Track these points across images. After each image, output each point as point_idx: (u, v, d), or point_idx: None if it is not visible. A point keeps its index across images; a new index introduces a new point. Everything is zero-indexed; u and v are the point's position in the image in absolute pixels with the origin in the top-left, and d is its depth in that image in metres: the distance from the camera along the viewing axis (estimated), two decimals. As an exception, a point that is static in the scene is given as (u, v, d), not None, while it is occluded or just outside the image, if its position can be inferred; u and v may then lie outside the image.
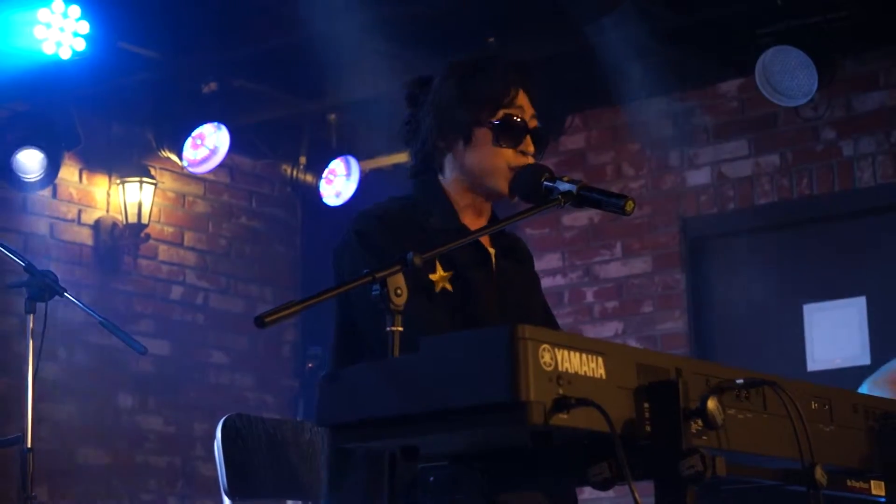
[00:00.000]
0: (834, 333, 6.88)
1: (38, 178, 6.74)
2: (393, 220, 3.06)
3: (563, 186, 2.90)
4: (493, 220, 3.19)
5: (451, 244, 2.79)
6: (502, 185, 3.07)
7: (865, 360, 6.59)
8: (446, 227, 3.04)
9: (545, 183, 2.94)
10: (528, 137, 3.11)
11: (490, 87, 3.10)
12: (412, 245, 2.58)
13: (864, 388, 4.38)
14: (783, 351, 6.95)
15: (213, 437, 3.40)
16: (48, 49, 6.02)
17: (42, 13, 5.99)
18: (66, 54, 6.07)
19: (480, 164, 3.09)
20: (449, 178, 3.14)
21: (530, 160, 3.09)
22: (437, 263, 2.98)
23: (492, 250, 3.12)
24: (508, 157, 3.07)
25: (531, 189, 2.97)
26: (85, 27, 6.06)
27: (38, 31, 5.99)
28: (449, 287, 2.99)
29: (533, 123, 3.13)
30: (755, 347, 6.99)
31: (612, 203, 2.85)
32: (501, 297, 3.08)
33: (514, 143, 3.08)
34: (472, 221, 3.13)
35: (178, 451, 7.48)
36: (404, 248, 2.53)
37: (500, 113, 3.09)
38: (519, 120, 3.09)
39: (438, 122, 3.11)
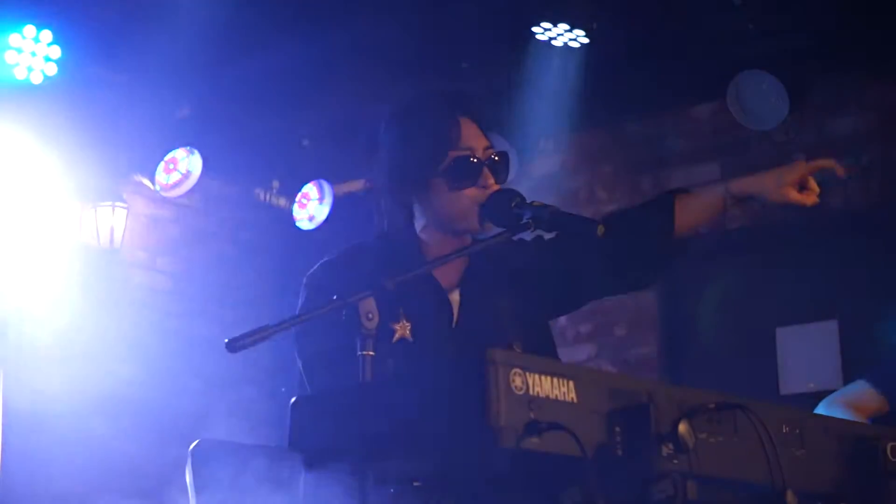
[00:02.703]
0: (806, 357, 6.90)
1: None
2: (346, 259, 3.06)
3: (534, 211, 2.88)
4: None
5: (419, 270, 2.77)
6: (472, 224, 3.01)
7: (838, 384, 6.58)
8: (411, 268, 2.98)
9: (515, 209, 2.91)
10: (486, 170, 3.02)
11: (433, 134, 3.00)
12: (359, 281, 2.56)
13: (821, 409, 4.40)
14: (756, 374, 6.96)
15: (185, 462, 3.38)
16: (20, 74, 6.01)
17: (13, 38, 5.97)
18: (37, 79, 6.05)
19: (445, 210, 3.03)
20: (420, 223, 3.09)
21: (495, 188, 3.02)
22: (402, 313, 2.93)
23: (456, 294, 3.06)
24: (471, 195, 3.00)
25: (501, 215, 2.95)
26: (56, 52, 6.05)
27: (10, 57, 5.97)
28: (409, 336, 2.94)
29: (487, 154, 3.04)
30: (728, 371, 7.00)
31: (582, 228, 2.84)
32: (462, 342, 2.99)
33: (472, 181, 3.00)
34: (446, 267, 3.03)
35: (151, 476, 7.43)
36: (351, 285, 2.52)
37: (450, 157, 3.00)
38: (472, 159, 3.01)
39: (392, 181, 3.05)
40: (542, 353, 2.77)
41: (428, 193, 3.03)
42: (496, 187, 3.02)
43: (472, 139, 3.04)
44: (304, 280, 3.08)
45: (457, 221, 3.03)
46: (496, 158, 3.05)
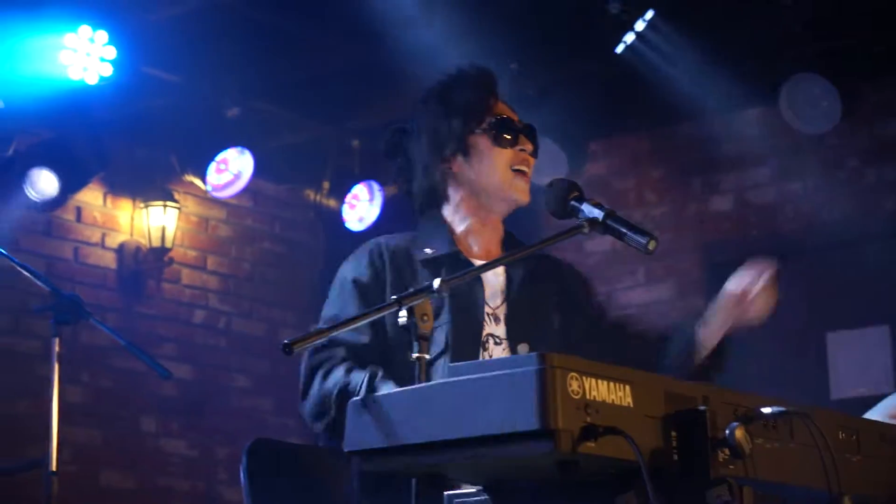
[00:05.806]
0: (857, 362, 6.86)
1: (51, 198, 6.69)
2: (387, 253, 3.18)
3: (590, 211, 2.89)
4: (508, 238, 3.23)
5: (472, 271, 2.82)
6: (507, 192, 3.14)
7: (889, 389, 6.56)
8: (440, 254, 3.10)
9: (572, 202, 2.93)
10: (523, 136, 3.17)
11: (472, 96, 3.17)
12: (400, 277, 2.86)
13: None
14: (806, 379, 6.92)
15: (235, 460, 3.41)
16: (74, 74, 6.05)
17: (69, 38, 6.01)
18: (92, 79, 6.09)
19: (483, 171, 3.15)
20: (455, 200, 3.19)
21: (530, 159, 3.17)
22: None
23: (501, 278, 3.15)
24: (508, 158, 3.15)
25: (558, 204, 2.96)
26: (111, 52, 6.09)
27: (65, 57, 6.01)
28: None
29: (520, 124, 3.19)
30: (778, 375, 6.97)
31: (635, 239, 2.84)
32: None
33: (511, 141, 3.15)
34: (481, 244, 3.19)
35: (201, 475, 7.48)
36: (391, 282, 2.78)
37: (489, 117, 3.16)
38: (508, 118, 3.17)
39: (434, 146, 3.17)
40: None
41: (469, 152, 3.15)
42: (531, 159, 3.17)
43: (507, 111, 3.22)
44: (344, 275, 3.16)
45: (495, 189, 3.15)
46: (529, 126, 3.22)
